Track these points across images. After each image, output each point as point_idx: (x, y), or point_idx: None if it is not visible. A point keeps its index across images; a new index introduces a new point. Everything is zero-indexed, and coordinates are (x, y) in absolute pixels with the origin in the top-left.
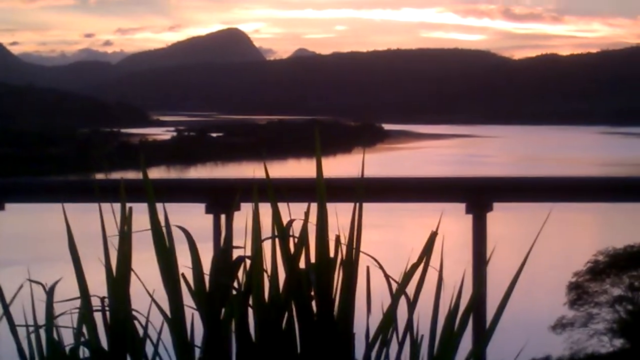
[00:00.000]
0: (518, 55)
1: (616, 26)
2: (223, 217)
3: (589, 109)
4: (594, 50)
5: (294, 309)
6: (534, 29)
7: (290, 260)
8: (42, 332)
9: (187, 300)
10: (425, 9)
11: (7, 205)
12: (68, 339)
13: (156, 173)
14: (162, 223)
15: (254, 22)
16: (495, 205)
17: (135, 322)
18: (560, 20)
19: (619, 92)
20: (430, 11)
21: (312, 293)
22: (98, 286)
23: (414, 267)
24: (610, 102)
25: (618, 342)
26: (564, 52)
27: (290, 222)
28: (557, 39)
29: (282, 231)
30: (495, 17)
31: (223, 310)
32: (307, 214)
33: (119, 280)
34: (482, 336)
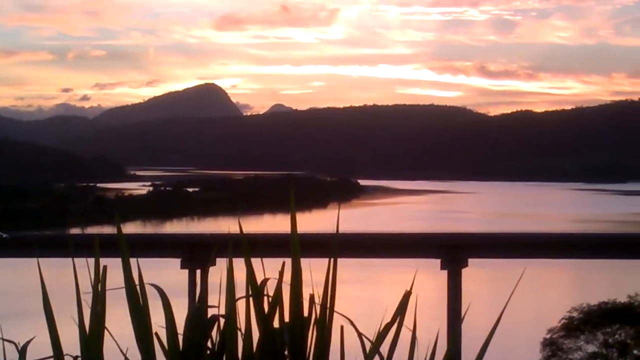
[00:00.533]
0: (494, 111)
1: (590, 83)
2: (199, 272)
3: (564, 165)
4: (568, 107)
5: None
6: (509, 86)
7: (264, 320)
8: None
9: (161, 359)
10: (401, 66)
11: None
12: None
13: (132, 228)
14: (137, 279)
15: (231, 78)
16: (471, 261)
17: None
18: (535, 77)
19: (593, 149)
20: (407, 68)
21: (286, 352)
22: (72, 344)
23: (388, 326)
24: (584, 159)
25: None
26: (539, 108)
27: (265, 281)
28: (532, 96)
29: (256, 290)
30: (471, 74)
31: None
32: (281, 273)
33: (92, 339)
34: None
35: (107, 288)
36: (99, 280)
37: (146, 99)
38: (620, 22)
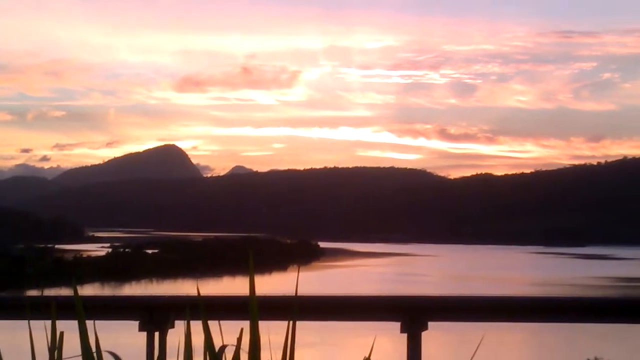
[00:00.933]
0: (454, 174)
1: (549, 147)
2: (157, 335)
3: (523, 228)
4: (528, 171)
5: None
6: (469, 149)
7: None
8: None
9: None
10: (361, 128)
11: None
12: None
13: (90, 290)
14: (94, 344)
15: (191, 139)
16: (430, 324)
17: None
18: (494, 140)
19: (553, 212)
20: (367, 130)
21: None
22: None
23: None
24: (544, 222)
25: None
26: (499, 171)
27: (223, 348)
28: (492, 159)
29: (214, 356)
30: (431, 137)
31: None
32: (239, 340)
33: None
34: None
35: (63, 355)
36: (55, 347)
37: (106, 160)
38: (579, 86)
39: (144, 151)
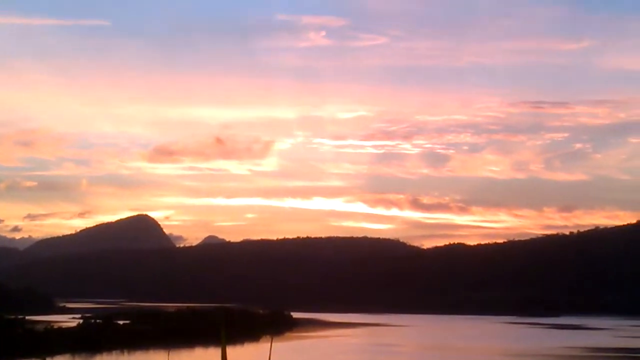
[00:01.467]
0: (427, 244)
1: (522, 217)
2: None
3: (496, 298)
4: (500, 241)
5: None
6: (442, 219)
7: None
8: None
9: None
10: (334, 199)
11: None
12: None
13: None
14: None
15: (164, 209)
16: None
17: None
18: (467, 210)
19: (526, 282)
20: (340, 200)
21: None
22: None
23: None
24: (516, 291)
25: None
26: (472, 241)
27: None
28: (465, 229)
29: None
30: (404, 207)
31: None
32: None
33: None
34: None
35: None
36: None
37: (78, 230)
38: (551, 157)
39: (117, 221)
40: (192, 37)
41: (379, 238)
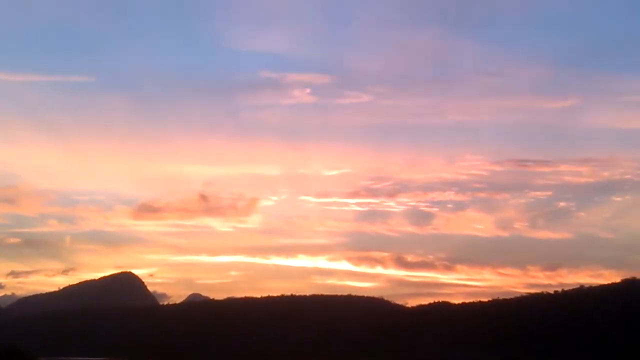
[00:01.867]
0: (411, 302)
1: (506, 275)
2: None
3: (482, 357)
4: (485, 299)
5: None
6: (426, 277)
7: None
8: None
9: None
10: (318, 256)
11: None
12: None
13: None
14: None
15: (148, 267)
16: None
17: None
18: (452, 268)
19: (510, 341)
20: (324, 258)
21: None
22: None
23: None
24: (502, 350)
25: None
26: (456, 300)
27: None
28: (449, 287)
29: None
30: (388, 265)
31: None
32: None
33: None
34: None
35: None
36: None
37: (62, 288)
38: (535, 215)
39: (100, 279)
40: (176, 94)
41: (363, 296)
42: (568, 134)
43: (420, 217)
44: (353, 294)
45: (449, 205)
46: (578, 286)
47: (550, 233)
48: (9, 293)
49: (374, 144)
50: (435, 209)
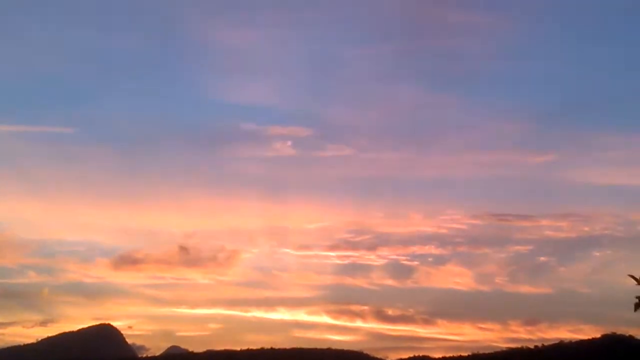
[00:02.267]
0: (391, 356)
1: (486, 330)
2: None
3: None
4: (465, 353)
5: None
6: (406, 331)
7: None
8: None
9: None
10: (298, 309)
11: None
12: None
13: None
14: None
15: (127, 318)
16: None
17: None
18: (431, 322)
19: None
20: (304, 311)
21: None
22: None
23: None
24: None
25: None
26: (436, 354)
27: None
28: (429, 341)
29: None
30: (368, 319)
31: None
32: None
33: None
34: None
35: None
36: None
37: (39, 339)
38: (515, 269)
39: (79, 330)
40: (157, 145)
41: (342, 350)
42: (549, 189)
43: (400, 270)
44: (333, 347)
45: (429, 259)
46: (558, 341)
47: (531, 288)
48: None
49: (354, 197)
50: (415, 263)
